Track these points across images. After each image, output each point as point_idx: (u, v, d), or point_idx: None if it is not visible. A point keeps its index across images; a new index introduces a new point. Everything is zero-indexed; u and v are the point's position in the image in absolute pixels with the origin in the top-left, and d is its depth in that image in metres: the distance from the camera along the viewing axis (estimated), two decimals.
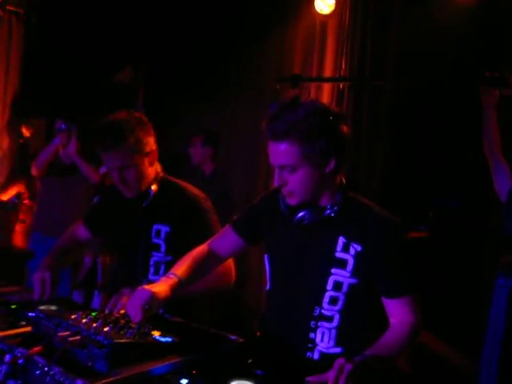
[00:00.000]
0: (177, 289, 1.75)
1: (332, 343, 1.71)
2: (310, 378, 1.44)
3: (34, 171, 4.13)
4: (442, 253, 3.13)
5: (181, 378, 1.45)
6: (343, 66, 4.23)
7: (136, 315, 1.64)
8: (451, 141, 3.49)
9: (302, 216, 1.67)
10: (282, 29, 4.40)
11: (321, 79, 4.00)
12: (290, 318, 1.77)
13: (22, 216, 4.67)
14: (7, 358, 1.51)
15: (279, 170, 1.63)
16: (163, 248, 2.16)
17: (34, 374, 1.44)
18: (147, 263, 2.18)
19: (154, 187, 2.14)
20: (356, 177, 3.92)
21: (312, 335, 1.72)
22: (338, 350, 1.71)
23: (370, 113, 4.04)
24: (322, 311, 1.71)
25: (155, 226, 2.17)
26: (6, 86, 4.97)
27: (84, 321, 1.56)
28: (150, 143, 2.12)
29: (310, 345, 1.72)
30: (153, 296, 1.67)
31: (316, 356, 1.72)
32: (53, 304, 1.89)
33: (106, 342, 1.43)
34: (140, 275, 2.16)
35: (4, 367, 1.50)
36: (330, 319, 1.71)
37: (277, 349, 1.78)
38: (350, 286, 1.68)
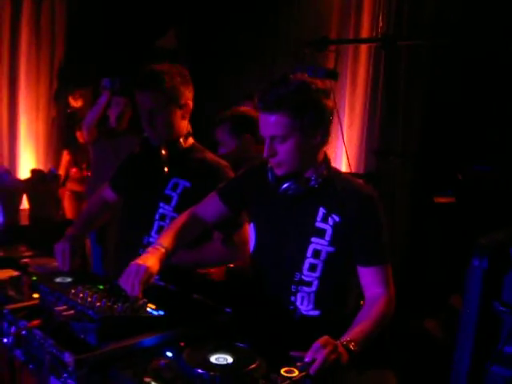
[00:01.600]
0: (164, 260, 1.83)
1: (311, 306, 1.83)
2: (293, 353, 1.50)
3: (83, 136, 4.20)
4: (470, 219, 3.04)
5: (166, 351, 1.52)
6: (380, 25, 4.10)
7: (133, 291, 1.72)
8: (485, 102, 3.35)
9: (287, 186, 1.78)
10: None
11: (348, 41, 3.89)
12: (273, 281, 1.89)
13: (72, 186, 4.83)
14: (12, 329, 1.65)
15: (269, 140, 1.74)
16: (174, 202, 2.18)
17: (33, 345, 1.57)
18: (153, 214, 2.20)
19: (182, 141, 2.20)
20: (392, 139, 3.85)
21: (293, 298, 1.84)
22: (316, 312, 1.83)
23: (406, 74, 3.92)
24: (302, 277, 1.82)
25: (174, 179, 2.20)
26: (53, 58, 5.15)
27: (81, 295, 1.66)
28: (187, 96, 2.16)
29: (291, 307, 1.84)
30: (147, 271, 1.74)
31: (297, 317, 1.84)
32: (70, 276, 1.96)
33: (95, 316, 1.53)
34: (144, 226, 2.21)
35: (11, 338, 1.65)
36: (309, 284, 1.83)
37: (262, 311, 1.90)
38: (328, 254, 1.80)
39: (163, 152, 2.19)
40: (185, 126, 2.22)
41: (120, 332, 1.55)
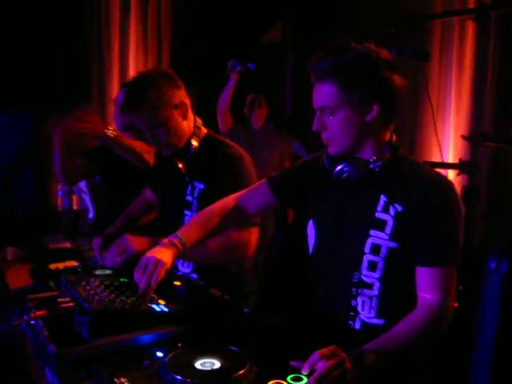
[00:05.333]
0: (179, 257, 1.72)
1: (373, 313, 1.59)
2: (293, 363, 1.33)
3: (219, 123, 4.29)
4: None
5: (158, 351, 1.42)
6: None
7: (147, 287, 1.64)
8: None
9: (341, 168, 1.57)
10: None
11: (435, 16, 3.49)
12: (332, 284, 1.68)
13: None
14: (25, 317, 1.65)
15: (319, 113, 1.58)
16: (194, 207, 2.10)
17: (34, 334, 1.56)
18: (180, 223, 2.10)
19: (194, 143, 2.08)
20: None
21: (353, 302, 1.61)
22: (379, 321, 1.59)
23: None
24: (362, 277, 1.59)
25: (191, 184, 2.12)
26: (160, 60, 5.30)
27: (88, 288, 1.62)
28: (178, 95, 2.02)
29: (351, 313, 1.62)
30: (164, 267, 1.66)
31: (357, 325, 1.61)
32: (114, 269, 1.95)
33: (89, 309, 1.47)
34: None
35: (23, 325, 1.65)
36: (369, 286, 1.59)
37: (319, 317, 1.70)
38: (389, 250, 1.54)
39: (177, 162, 2.10)
40: (189, 124, 2.09)
41: (115, 327, 1.48)
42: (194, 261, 2.09)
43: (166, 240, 1.73)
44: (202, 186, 2.09)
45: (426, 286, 1.50)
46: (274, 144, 4.44)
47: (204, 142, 2.12)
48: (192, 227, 1.82)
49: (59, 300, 1.57)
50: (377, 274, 1.57)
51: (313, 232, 1.74)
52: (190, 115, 2.10)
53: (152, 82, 1.98)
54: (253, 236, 2.03)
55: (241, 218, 1.92)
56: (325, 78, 1.53)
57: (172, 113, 2.01)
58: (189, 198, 2.12)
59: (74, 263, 2.26)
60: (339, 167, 1.58)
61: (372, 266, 1.57)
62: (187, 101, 2.07)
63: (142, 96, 1.96)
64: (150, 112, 1.98)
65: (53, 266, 2.17)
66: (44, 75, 3.91)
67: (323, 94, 1.55)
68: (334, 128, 1.56)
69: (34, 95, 3.61)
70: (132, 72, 5.13)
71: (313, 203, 1.75)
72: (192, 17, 5.22)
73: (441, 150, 3.29)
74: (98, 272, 1.91)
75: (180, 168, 2.10)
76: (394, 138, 1.60)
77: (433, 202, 1.49)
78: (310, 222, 1.74)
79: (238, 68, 4.11)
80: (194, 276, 2.12)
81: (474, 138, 3.38)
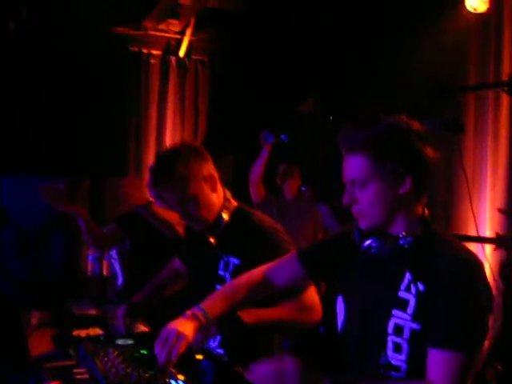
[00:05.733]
0: (199, 332, 1.66)
1: None
2: None
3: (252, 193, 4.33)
4: None
5: None
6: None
7: (167, 361, 1.56)
8: None
9: (369, 244, 1.52)
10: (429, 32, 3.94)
11: (469, 88, 3.47)
12: (361, 364, 1.58)
13: None
14: None
15: (350, 186, 1.54)
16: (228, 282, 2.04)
17: None
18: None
19: (225, 216, 2.05)
20: None
21: None
22: None
23: None
24: (389, 359, 1.50)
25: (223, 258, 2.07)
26: (196, 130, 5.42)
27: (105, 359, 1.58)
28: (206, 168, 2.02)
29: None
30: (186, 341, 1.60)
31: None
32: (136, 339, 1.92)
33: (103, 382, 1.43)
34: None
35: None
36: (397, 369, 1.49)
37: None
38: (412, 331, 1.44)
39: (208, 236, 2.06)
40: (219, 197, 2.06)
41: None
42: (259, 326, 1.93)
43: (189, 312, 1.68)
44: (236, 262, 2.03)
45: (432, 369, 1.39)
46: (307, 215, 4.40)
47: (235, 214, 2.08)
48: (217, 300, 1.77)
49: (75, 371, 1.53)
50: (402, 357, 1.48)
51: (342, 309, 1.67)
52: (219, 188, 2.08)
53: (179, 156, 1.99)
54: (315, 297, 1.94)
55: (268, 291, 1.85)
56: (355, 151, 1.50)
57: (201, 186, 2.00)
58: (221, 272, 2.07)
59: (98, 331, 2.22)
60: (368, 242, 1.53)
61: (397, 348, 1.48)
62: (215, 173, 2.06)
63: (170, 170, 1.97)
64: (179, 186, 1.97)
65: (76, 333, 2.15)
66: (79, 142, 4.03)
67: (354, 166, 1.52)
68: (364, 202, 1.51)
69: (70, 162, 3.71)
70: (168, 141, 5.26)
71: (342, 278, 1.70)
72: (228, 87, 5.35)
73: (476, 224, 3.19)
74: (119, 341, 1.87)
75: (211, 242, 2.07)
76: (426, 212, 1.55)
77: (454, 283, 1.40)
78: (340, 298, 1.69)
79: (271, 140, 4.15)
80: (220, 351, 2.04)
81: (511, 211, 3.27)
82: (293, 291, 1.90)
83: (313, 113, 5.75)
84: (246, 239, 2.01)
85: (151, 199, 2.76)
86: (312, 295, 1.94)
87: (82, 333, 2.14)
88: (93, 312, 2.50)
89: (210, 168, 2.04)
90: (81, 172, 3.75)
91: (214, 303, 1.74)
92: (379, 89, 4.65)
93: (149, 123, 5.20)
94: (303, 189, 4.47)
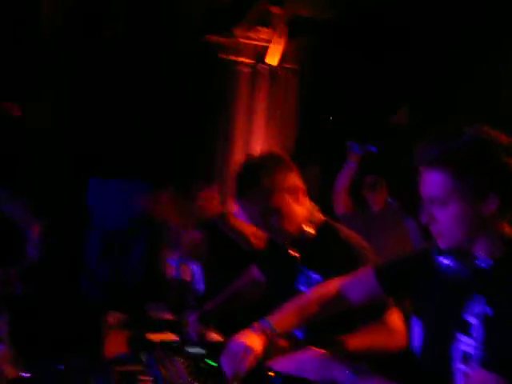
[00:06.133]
0: (266, 347, 1.58)
1: None
2: None
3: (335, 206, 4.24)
4: None
5: None
6: None
7: (234, 376, 1.51)
8: None
9: (447, 265, 1.45)
10: None
11: None
12: None
13: None
14: None
15: (429, 203, 1.43)
16: None
17: None
18: None
19: (309, 230, 1.96)
20: None
21: None
22: None
23: None
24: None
25: (305, 273, 1.97)
26: (284, 139, 5.37)
27: (172, 368, 1.55)
28: (291, 179, 1.92)
29: None
30: (254, 355, 1.53)
31: None
32: (208, 348, 1.91)
33: None
34: None
35: None
36: None
37: None
38: (479, 359, 1.33)
39: (291, 250, 1.99)
40: (303, 209, 1.96)
41: None
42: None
43: (256, 324, 1.62)
44: (318, 278, 1.94)
45: None
46: (394, 229, 4.23)
47: (320, 229, 1.98)
48: (286, 314, 1.69)
49: (140, 377, 1.51)
50: None
51: (418, 331, 1.56)
52: (304, 200, 1.98)
53: (264, 166, 1.91)
54: (400, 320, 1.81)
55: (342, 308, 1.75)
56: (434, 166, 1.40)
57: (285, 197, 1.91)
58: (302, 287, 1.98)
59: (172, 336, 2.22)
60: (446, 263, 1.45)
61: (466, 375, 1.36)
62: (301, 185, 1.96)
63: (254, 181, 1.89)
64: (262, 197, 1.89)
65: (150, 337, 2.15)
66: (167, 148, 4.11)
67: (432, 183, 1.41)
68: (444, 221, 1.40)
69: (157, 167, 3.78)
70: (255, 149, 5.25)
71: (418, 298, 1.59)
72: (318, 96, 5.28)
73: None
74: (190, 350, 1.85)
75: (293, 256, 2.00)
76: (508, 230, 1.40)
77: None
78: (414, 318, 1.58)
79: (359, 150, 4.02)
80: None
81: None
82: (375, 312, 1.78)
83: (404, 124, 5.58)
84: (330, 256, 1.91)
85: (226, 211, 2.73)
86: (396, 317, 1.81)
87: (156, 337, 2.14)
88: (168, 317, 2.51)
89: (295, 179, 1.95)
90: (167, 177, 3.81)
91: (282, 318, 1.67)
92: (480, 100, 4.42)
93: (236, 130, 5.22)
94: (390, 201, 4.31)
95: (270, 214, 1.92)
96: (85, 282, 3.15)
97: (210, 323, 2.16)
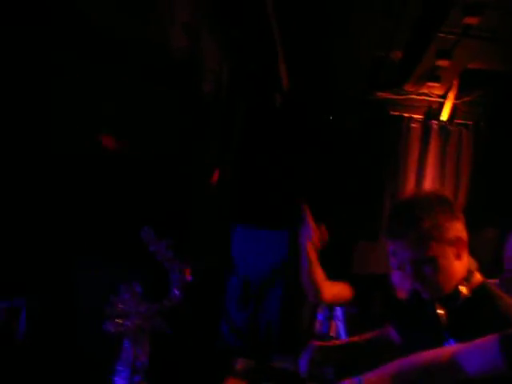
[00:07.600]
0: None
1: None
2: None
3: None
4: None
5: None
6: None
7: None
8: None
9: None
10: None
11: None
12: None
13: None
14: None
15: None
16: None
17: None
18: None
19: (464, 290, 1.70)
20: None
21: None
22: None
23: None
24: None
25: (450, 341, 1.69)
26: (456, 197, 5.06)
27: None
28: (455, 229, 1.69)
29: None
30: None
31: None
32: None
33: None
34: None
35: None
36: None
37: None
38: None
39: (439, 311, 1.74)
40: (462, 266, 1.73)
41: None
42: None
43: (348, 381, 1.55)
44: None
45: None
46: None
47: (476, 292, 1.73)
48: (383, 377, 1.55)
49: None
50: None
51: None
52: (465, 255, 1.76)
53: (426, 208, 1.70)
54: None
55: (452, 378, 1.52)
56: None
57: (444, 248, 1.69)
58: None
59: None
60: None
61: None
62: (465, 237, 1.74)
63: (413, 222, 1.69)
64: (419, 243, 1.68)
65: None
66: (319, 200, 4.14)
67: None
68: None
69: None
70: None
71: None
72: (495, 153, 4.91)
73: None
74: None
75: (440, 316, 1.75)
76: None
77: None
78: None
79: None
80: None
81: None
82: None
83: None
84: (481, 327, 1.60)
85: None
86: None
87: None
88: (289, 368, 2.48)
89: (459, 229, 1.72)
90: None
91: (377, 379, 1.55)
92: None
93: (406, 187, 5.07)
94: None
95: (421, 264, 1.70)
96: (224, 328, 3.28)
97: (324, 360, 2.06)
